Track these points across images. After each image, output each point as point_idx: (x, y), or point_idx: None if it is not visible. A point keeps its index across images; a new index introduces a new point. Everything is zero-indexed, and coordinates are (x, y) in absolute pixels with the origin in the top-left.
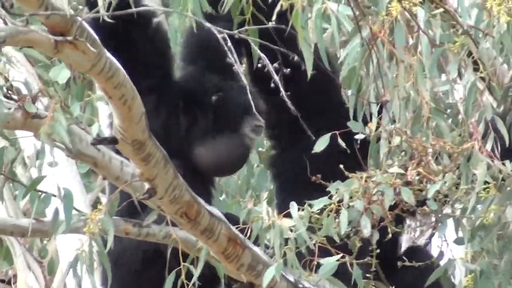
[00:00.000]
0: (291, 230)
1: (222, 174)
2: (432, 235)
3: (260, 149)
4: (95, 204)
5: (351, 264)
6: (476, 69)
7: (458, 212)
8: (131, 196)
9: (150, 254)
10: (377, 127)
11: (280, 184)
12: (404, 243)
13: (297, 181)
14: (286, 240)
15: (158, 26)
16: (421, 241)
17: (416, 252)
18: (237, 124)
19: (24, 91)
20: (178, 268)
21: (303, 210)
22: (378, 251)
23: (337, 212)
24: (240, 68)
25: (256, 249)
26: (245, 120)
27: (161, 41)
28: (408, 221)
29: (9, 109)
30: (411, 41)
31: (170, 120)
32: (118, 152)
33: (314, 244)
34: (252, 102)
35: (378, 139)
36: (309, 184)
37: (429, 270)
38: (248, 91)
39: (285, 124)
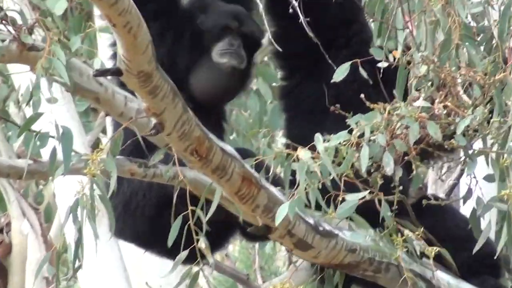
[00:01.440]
0: (315, 162)
1: (215, 103)
2: (460, 173)
3: (274, 84)
4: (94, 145)
5: (379, 201)
6: None
7: (489, 148)
8: (136, 134)
9: (163, 197)
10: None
11: (294, 117)
12: (430, 186)
13: (313, 113)
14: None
15: None
16: (447, 183)
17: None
18: (208, 47)
19: (20, 22)
20: (185, 212)
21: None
22: (401, 188)
23: (358, 146)
24: None
25: (272, 189)
26: (217, 44)
27: None
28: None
29: (3, 40)
30: None
31: (176, 48)
32: (122, 86)
33: (340, 178)
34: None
35: (405, 68)
36: (326, 117)
37: (452, 214)
38: (227, 9)
39: (302, 53)
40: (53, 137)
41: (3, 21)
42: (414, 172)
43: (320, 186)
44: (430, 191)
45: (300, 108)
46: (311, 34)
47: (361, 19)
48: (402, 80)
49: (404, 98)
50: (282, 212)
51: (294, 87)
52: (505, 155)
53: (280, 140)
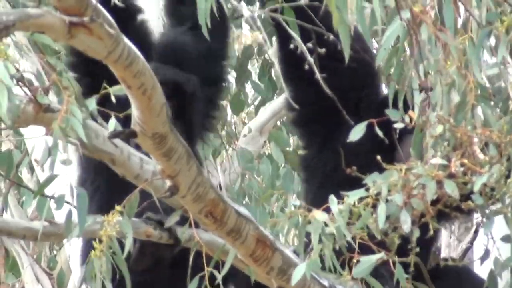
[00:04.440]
0: (327, 225)
1: None
2: (474, 236)
3: (288, 148)
4: None
5: (394, 263)
6: None
7: (506, 207)
8: (151, 195)
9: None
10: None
11: (312, 184)
12: (446, 249)
13: (332, 178)
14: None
15: (142, 23)
16: (460, 247)
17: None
18: None
19: (36, 83)
20: (202, 273)
21: (342, 203)
22: (418, 249)
23: (374, 206)
24: None
25: (287, 251)
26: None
27: (143, 37)
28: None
29: (20, 101)
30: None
31: None
32: (137, 147)
33: (354, 240)
34: None
35: (421, 129)
36: (344, 182)
37: (469, 274)
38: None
39: (318, 116)
40: (68, 203)
41: (19, 83)
42: (431, 232)
43: (335, 248)
44: (443, 254)
45: (319, 174)
46: (327, 90)
47: (375, 82)
48: (418, 140)
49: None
50: (298, 273)
51: (314, 155)
52: None
53: (294, 203)
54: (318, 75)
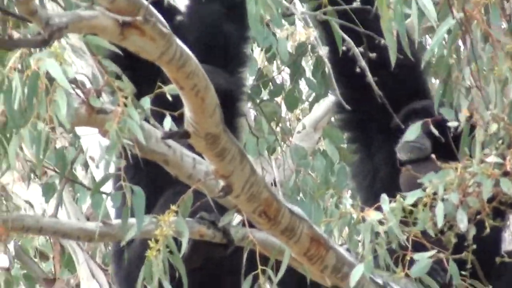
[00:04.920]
0: (381, 224)
1: None
2: None
3: (342, 145)
4: None
5: (447, 260)
6: None
7: None
8: (203, 195)
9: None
10: (471, 114)
11: (365, 191)
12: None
13: (380, 181)
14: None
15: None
16: None
17: None
18: None
19: (88, 84)
20: (255, 272)
21: (394, 202)
22: (474, 247)
23: (430, 206)
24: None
25: (340, 249)
26: None
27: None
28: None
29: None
30: (504, 25)
31: None
32: (190, 148)
33: (407, 239)
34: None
35: (473, 128)
36: (394, 190)
37: None
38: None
39: (368, 120)
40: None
41: (72, 85)
42: (487, 230)
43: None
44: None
45: (368, 176)
46: (378, 92)
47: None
48: (466, 138)
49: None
50: (356, 274)
51: (363, 158)
52: None
53: (347, 201)
54: (370, 78)
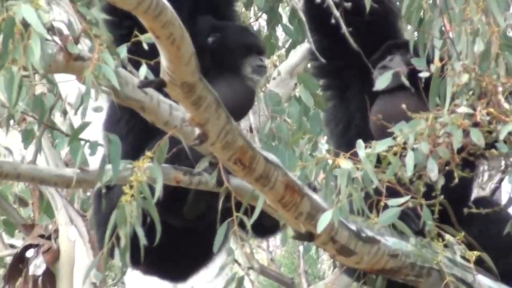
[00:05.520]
0: (357, 169)
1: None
2: (501, 180)
3: (317, 91)
4: None
5: (421, 207)
6: None
7: None
8: (181, 142)
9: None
10: (443, 65)
11: (337, 134)
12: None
13: (355, 128)
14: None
15: None
16: (489, 187)
17: (484, 201)
18: (237, 65)
19: (66, 32)
20: (231, 218)
21: (369, 148)
22: (442, 197)
23: (401, 155)
24: None
25: (315, 196)
26: (246, 61)
27: None
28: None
29: (51, 49)
30: None
31: None
32: (166, 96)
33: (382, 185)
34: (253, 41)
35: (443, 78)
36: (367, 130)
37: (497, 220)
38: (246, 30)
39: (343, 70)
40: (101, 145)
41: (49, 32)
42: (456, 180)
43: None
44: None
45: (342, 123)
46: (353, 43)
47: (398, 34)
48: (436, 88)
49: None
50: (325, 220)
51: (335, 104)
52: None
53: (323, 147)
54: (344, 29)
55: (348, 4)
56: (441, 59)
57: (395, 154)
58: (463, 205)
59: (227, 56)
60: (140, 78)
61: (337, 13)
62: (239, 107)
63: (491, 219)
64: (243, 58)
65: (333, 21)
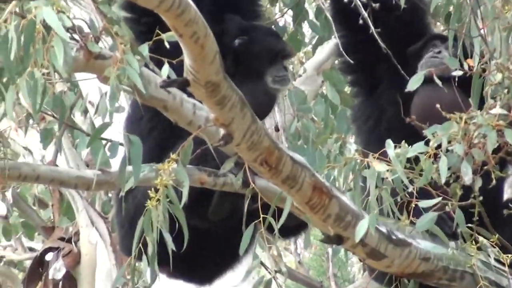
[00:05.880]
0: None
1: None
2: None
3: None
4: None
5: (453, 209)
6: None
7: None
8: (205, 142)
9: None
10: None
11: (366, 131)
12: (508, 190)
13: (385, 125)
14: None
15: None
16: None
17: None
18: (260, 72)
19: (86, 30)
20: (257, 221)
21: (399, 147)
22: (481, 198)
23: (435, 158)
24: None
25: (344, 198)
26: (269, 68)
27: None
28: None
29: (71, 49)
30: None
31: None
32: (190, 96)
33: (413, 185)
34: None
35: (480, 77)
36: (398, 128)
37: None
38: (274, 34)
39: (370, 65)
40: (122, 144)
41: (69, 30)
42: (494, 182)
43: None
44: (506, 195)
45: (369, 121)
46: (382, 44)
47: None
48: (477, 88)
49: (480, 107)
50: (362, 228)
51: (363, 102)
52: None
53: (351, 146)
54: (373, 30)
55: (376, 5)
56: (482, 57)
57: (429, 157)
58: (496, 206)
59: (251, 60)
60: (163, 78)
61: (365, 13)
62: (258, 112)
63: None
64: (267, 64)
65: (361, 21)
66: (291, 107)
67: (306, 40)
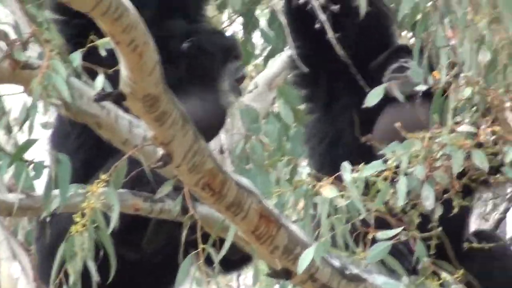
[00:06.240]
0: (342, 196)
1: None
2: (507, 209)
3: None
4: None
5: (414, 239)
6: None
7: None
8: (141, 164)
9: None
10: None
11: (320, 153)
12: (474, 221)
13: (342, 146)
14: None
15: None
16: (493, 218)
17: (486, 235)
18: (215, 74)
19: (13, 36)
20: (195, 251)
21: (356, 172)
22: (440, 229)
23: (393, 180)
24: None
25: (293, 227)
26: (225, 68)
27: None
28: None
29: None
30: None
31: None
32: (126, 111)
33: (370, 214)
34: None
35: (444, 92)
36: (357, 149)
37: (501, 255)
38: (222, 33)
39: (331, 78)
40: (47, 166)
41: None
42: (456, 210)
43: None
44: (473, 226)
45: (326, 138)
46: (340, 52)
47: (391, 41)
48: (438, 104)
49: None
50: (306, 258)
51: (319, 120)
52: None
53: (304, 170)
54: (331, 35)
55: (335, 7)
56: (451, 68)
57: (385, 179)
58: (461, 238)
59: (204, 62)
60: (97, 90)
61: (323, 17)
62: (209, 127)
63: (494, 255)
64: (221, 64)
65: (318, 25)
66: (241, 127)
67: (257, 51)
